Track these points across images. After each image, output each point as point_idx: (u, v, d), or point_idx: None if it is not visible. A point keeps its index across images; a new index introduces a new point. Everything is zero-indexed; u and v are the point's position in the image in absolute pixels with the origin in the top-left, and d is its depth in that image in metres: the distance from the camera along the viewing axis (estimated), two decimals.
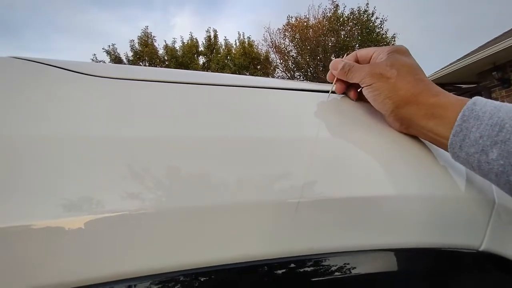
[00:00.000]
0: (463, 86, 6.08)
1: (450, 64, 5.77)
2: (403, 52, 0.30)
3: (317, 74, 12.77)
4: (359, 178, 0.23)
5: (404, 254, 0.22)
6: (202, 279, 0.18)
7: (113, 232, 0.17)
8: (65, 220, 0.16)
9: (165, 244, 0.18)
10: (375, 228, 0.21)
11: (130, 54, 12.88)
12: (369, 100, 0.30)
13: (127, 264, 0.17)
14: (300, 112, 0.29)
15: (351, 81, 0.31)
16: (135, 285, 0.17)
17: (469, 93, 5.72)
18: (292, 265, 0.19)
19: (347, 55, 0.34)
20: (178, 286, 0.17)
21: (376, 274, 0.21)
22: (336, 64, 0.33)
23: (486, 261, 0.23)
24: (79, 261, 0.16)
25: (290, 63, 13.51)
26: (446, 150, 0.24)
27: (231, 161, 0.21)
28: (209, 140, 0.22)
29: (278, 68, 13.80)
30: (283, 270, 0.19)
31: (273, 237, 0.19)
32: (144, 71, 0.32)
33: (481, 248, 0.23)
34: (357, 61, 0.33)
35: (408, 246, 0.22)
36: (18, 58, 0.29)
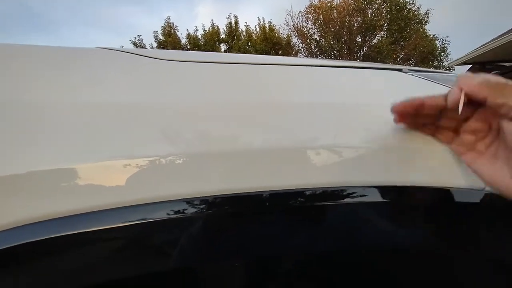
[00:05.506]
0: (507, 64, 5.53)
1: (491, 40, 5.24)
2: None
3: (341, 57, 12.25)
4: (389, 131, 0.28)
5: (416, 191, 0.28)
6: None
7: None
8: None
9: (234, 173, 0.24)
10: (401, 169, 0.27)
11: (155, 45, 13.26)
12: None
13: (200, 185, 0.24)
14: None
15: (498, 101, 0.22)
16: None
17: None
18: (341, 192, 0.26)
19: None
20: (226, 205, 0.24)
21: (398, 205, 0.27)
22: (469, 76, 0.24)
23: (489, 200, 0.28)
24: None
25: (312, 47, 13.08)
26: None
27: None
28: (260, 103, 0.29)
29: (300, 53, 13.45)
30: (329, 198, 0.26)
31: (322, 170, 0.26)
32: (200, 55, 0.40)
33: (486, 189, 0.28)
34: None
35: (422, 185, 0.27)
36: (103, 48, 0.38)
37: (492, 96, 0.22)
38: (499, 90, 0.22)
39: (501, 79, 0.23)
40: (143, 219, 0.22)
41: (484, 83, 0.23)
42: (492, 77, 0.23)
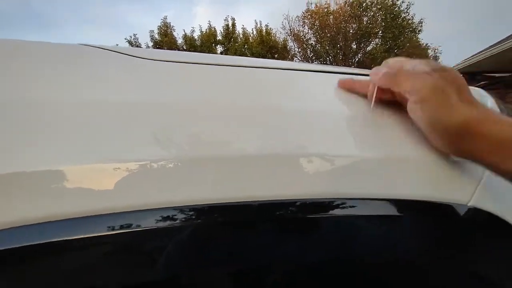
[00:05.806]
0: (497, 75, 5.68)
1: (481, 51, 5.39)
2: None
3: (337, 62, 12.41)
4: (367, 142, 0.27)
5: (399, 204, 0.27)
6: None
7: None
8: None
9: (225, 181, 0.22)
10: (382, 181, 0.26)
11: (151, 44, 13.19)
12: (418, 121, 0.26)
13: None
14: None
15: (396, 89, 0.27)
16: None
17: (504, 83, 5.34)
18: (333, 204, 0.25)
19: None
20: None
21: (377, 217, 0.26)
22: (378, 70, 0.29)
23: (473, 215, 0.27)
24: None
25: (308, 52, 13.22)
26: (505, 177, 0.24)
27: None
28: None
29: (296, 57, 13.56)
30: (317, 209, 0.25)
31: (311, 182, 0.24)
32: (185, 55, 0.38)
33: (469, 204, 0.27)
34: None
35: (404, 198, 0.26)
36: (86, 45, 0.36)
37: (392, 86, 0.27)
38: (395, 80, 0.26)
39: (402, 68, 0.27)
40: (134, 226, 0.20)
41: (385, 75, 0.27)
42: (393, 67, 0.28)
